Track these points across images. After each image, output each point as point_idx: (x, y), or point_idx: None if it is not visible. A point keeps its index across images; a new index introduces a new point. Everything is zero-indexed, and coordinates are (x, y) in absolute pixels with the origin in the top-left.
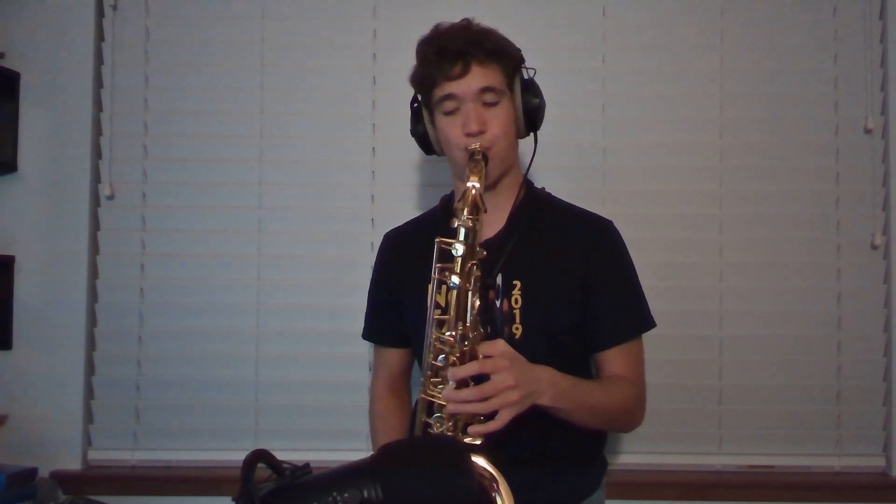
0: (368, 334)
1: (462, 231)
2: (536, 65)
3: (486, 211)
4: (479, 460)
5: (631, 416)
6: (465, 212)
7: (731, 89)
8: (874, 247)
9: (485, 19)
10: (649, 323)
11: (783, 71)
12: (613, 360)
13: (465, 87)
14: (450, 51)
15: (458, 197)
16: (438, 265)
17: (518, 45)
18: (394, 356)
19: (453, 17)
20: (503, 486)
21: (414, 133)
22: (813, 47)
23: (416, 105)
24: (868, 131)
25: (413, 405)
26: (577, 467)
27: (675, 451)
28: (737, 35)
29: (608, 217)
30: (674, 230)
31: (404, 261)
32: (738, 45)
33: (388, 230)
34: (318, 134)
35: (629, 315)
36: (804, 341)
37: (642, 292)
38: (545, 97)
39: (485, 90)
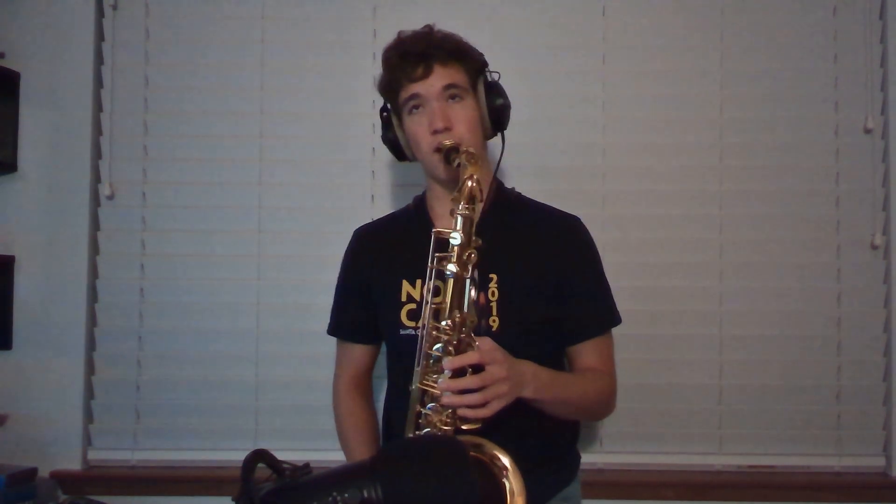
0: (334, 329)
1: (459, 220)
2: (536, 65)
3: (482, 201)
4: (498, 452)
5: (605, 406)
6: (462, 202)
7: (731, 89)
8: (874, 247)
9: (484, 19)
10: (617, 318)
11: (783, 71)
12: (587, 353)
13: (429, 87)
14: (412, 53)
15: (449, 189)
16: (436, 255)
17: (517, 45)
18: (359, 353)
19: (452, 17)
20: (512, 470)
21: (385, 140)
22: (813, 47)
23: (385, 113)
24: (868, 131)
25: (384, 401)
26: (551, 464)
27: (675, 451)
28: (737, 35)
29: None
30: (674, 230)
31: (376, 256)
32: (738, 45)
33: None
34: (318, 134)
35: (602, 310)
36: (804, 341)
37: (609, 288)
38: (545, 97)
39: (448, 87)
